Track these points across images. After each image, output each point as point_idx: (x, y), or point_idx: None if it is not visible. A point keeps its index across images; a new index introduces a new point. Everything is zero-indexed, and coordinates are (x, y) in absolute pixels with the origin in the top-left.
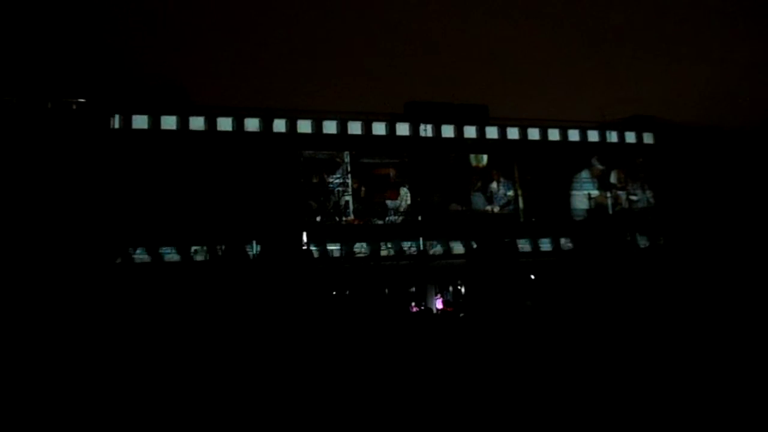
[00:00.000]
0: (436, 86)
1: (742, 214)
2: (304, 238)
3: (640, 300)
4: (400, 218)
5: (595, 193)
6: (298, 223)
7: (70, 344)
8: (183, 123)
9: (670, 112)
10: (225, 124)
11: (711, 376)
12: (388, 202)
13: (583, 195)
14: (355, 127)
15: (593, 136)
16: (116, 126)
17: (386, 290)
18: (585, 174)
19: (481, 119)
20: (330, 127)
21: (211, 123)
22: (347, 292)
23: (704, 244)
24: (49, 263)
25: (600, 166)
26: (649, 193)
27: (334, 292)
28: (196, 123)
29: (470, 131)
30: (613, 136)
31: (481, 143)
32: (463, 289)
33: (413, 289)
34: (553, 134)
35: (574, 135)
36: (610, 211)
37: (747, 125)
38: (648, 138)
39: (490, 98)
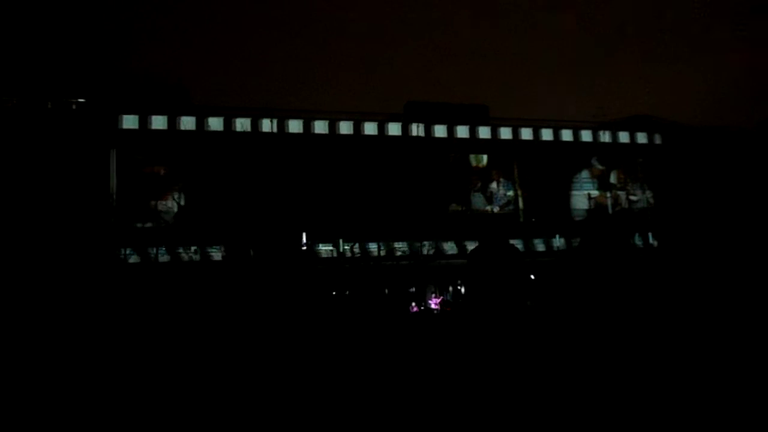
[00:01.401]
0: (436, 86)
1: (743, 214)
2: (304, 239)
3: (641, 300)
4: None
5: (594, 193)
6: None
7: (71, 344)
8: (175, 122)
9: (669, 113)
10: (240, 124)
11: (711, 376)
12: None
13: (582, 195)
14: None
15: (590, 136)
16: (121, 126)
17: (386, 290)
18: (585, 174)
19: (481, 119)
20: (346, 127)
21: (225, 123)
22: (347, 293)
23: (706, 244)
24: (49, 263)
25: (600, 166)
26: (649, 194)
27: (334, 293)
28: (191, 123)
29: (473, 131)
30: (610, 137)
31: (481, 143)
32: (462, 289)
33: (413, 290)
34: (550, 134)
35: (572, 135)
36: (610, 211)
37: (747, 125)
38: (642, 138)
39: (490, 98)
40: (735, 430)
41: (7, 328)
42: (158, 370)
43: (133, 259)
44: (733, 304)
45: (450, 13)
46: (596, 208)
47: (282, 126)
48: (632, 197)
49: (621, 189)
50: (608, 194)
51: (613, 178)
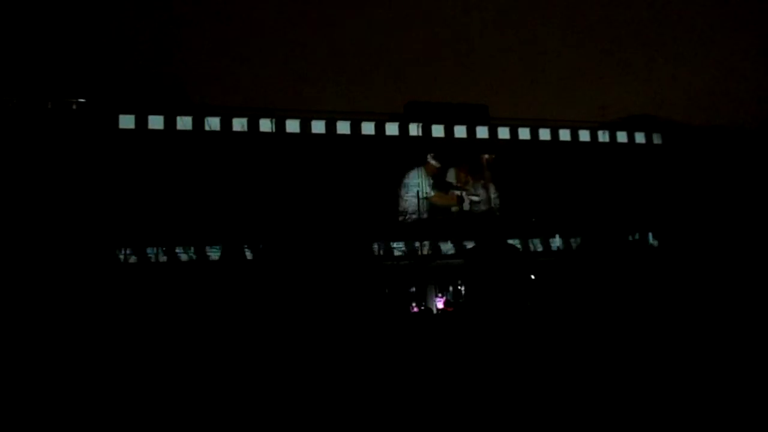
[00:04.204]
0: (436, 86)
1: (743, 214)
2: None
3: (641, 300)
4: None
5: (429, 192)
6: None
7: (69, 342)
8: (192, 122)
9: (670, 112)
10: (237, 124)
11: (710, 376)
12: None
13: (413, 195)
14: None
15: (587, 136)
16: (120, 126)
17: (386, 290)
18: (417, 172)
19: (481, 119)
20: (343, 127)
21: (224, 123)
22: (347, 293)
23: (706, 244)
24: (48, 262)
25: (435, 163)
26: (494, 194)
27: (334, 292)
28: (189, 122)
29: (474, 131)
30: (609, 136)
31: (481, 143)
32: (462, 289)
33: (413, 289)
34: (546, 134)
35: (567, 135)
36: (453, 211)
37: (747, 125)
38: (642, 138)
39: (490, 98)
40: (735, 430)
41: (6, 327)
42: (156, 369)
43: (132, 259)
44: (733, 303)
45: (450, 13)
46: (431, 209)
47: (280, 125)
48: (473, 197)
49: (459, 188)
50: (446, 193)
51: (451, 177)
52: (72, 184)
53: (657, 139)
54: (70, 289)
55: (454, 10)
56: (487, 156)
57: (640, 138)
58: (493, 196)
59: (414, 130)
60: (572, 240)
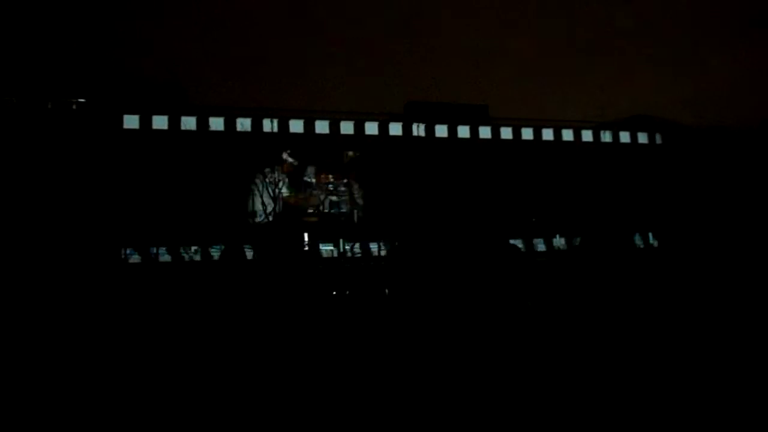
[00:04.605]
0: (435, 86)
1: (743, 214)
2: (306, 239)
3: (641, 300)
4: None
5: (284, 192)
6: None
7: (71, 343)
8: (177, 122)
9: (669, 112)
10: (217, 124)
11: (711, 375)
12: None
13: (265, 195)
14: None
15: (587, 136)
16: (123, 126)
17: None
18: (271, 170)
19: (481, 119)
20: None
21: (205, 123)
22: (347, 293)
23: (706, 244)
24: (50, 263)
25: (292, 161)
26: (358, 193)
27: (334, 293)
28: (191, 123)
29: (471, 131)
30: (610, 136)
31: (481, 143)
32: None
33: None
34: (550, 134)
35: (567, 135)
36: (326, 210)
37: (747, 125)
38: (642, 138)
39: (490, 98)
40: (735, 430)
41: (8, 328)
42: (159, 370)
43: (134, 258)
44: (733, 304)
45: (450, 13)
46: (285, 210)
47: (283, 126)
48: (332, 198)
49: (318, 188)
50: (303, 194)
51: (310, 176)
52: (72, 185)
53: (657, 139)
54: (73, 289)
55: (454, 8)
56: (351, 153)
57: (639, 138)
58: (356, 195)
59: (413, 130)
60: (573, 240)
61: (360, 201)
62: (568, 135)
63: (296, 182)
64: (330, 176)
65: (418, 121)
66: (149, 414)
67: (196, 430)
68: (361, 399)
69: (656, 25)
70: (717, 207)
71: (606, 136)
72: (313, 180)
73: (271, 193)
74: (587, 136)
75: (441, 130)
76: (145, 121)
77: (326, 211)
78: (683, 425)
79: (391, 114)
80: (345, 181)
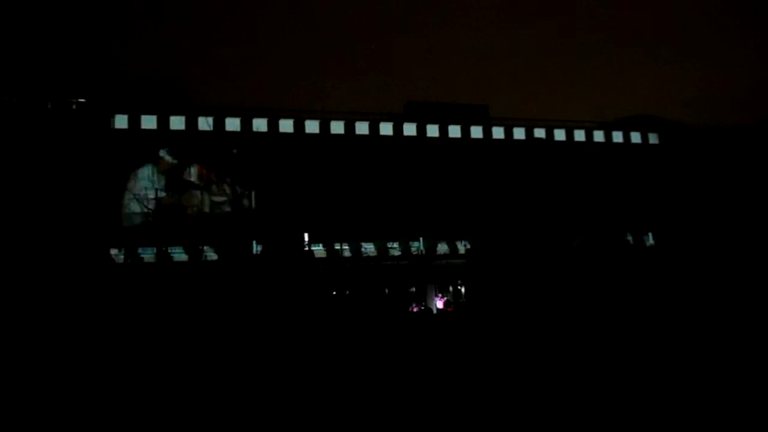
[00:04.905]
0: (436, 86)
1: (743, 214)
2: (306, 239)
3: (641, 300)
4: None
5: (161, 193)
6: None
7: (62, 342)
8: (189, 123)
9: (669, 113)
10: (232, 124)
11: (710, 376)
12: None
13: (139, 195)
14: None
15: (598, 136)
16: (117, 126)
17: (386, 290)
18: (147, 170)
19: (482, 119)
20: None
21: (216, 124)
22: (347, 293)
23: (705, 244)
24: (48, 261)
25: (170, 159)
26: (244, 194)
27: (333, 293)
28: (200, 123)
29: (472, 131)
30: (615, 137)
31: (481, 143)
32: (462, 289)
33: (413, 289)
34: (543, 134)
35: (564, 135)
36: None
37: (746, 125)
38: (638, 138)
39: (489, 98)
40: (735, 430)
41: (9, 328)
42: (150, 370)
43: (127, 258)
44: (733, 303)
45: (450, 12)
46: (161, 209)
47: (274, 125)
48: (216, 198)
49: (199, 188)
50: (187, 193)
51: (192, 176)
52: (72, 184)
53: (654, 140)
54: (71, 287)
55: (454, 8)
56: (235, 151)
57: (638, 138)
58: (242, 196)
59: (412, 130)
60: (570, 240)
61: (246, 202)
62: (563, 135)
63: (175, 182)
64: (213, 175)
65: (418, 121)
66: (140, 412)
67: (192, 428)
68: (353, 391)
69: (656, 25)
70: (717, 207)
71: (617, 137)
72: (195, 179)
73: (147, 193)
74: (599, 136)
75: (454, 131)
76: (137, 121)
77: (207, 211)
78: (683, 425)
79: (391, 114)
80: (229, 180)
